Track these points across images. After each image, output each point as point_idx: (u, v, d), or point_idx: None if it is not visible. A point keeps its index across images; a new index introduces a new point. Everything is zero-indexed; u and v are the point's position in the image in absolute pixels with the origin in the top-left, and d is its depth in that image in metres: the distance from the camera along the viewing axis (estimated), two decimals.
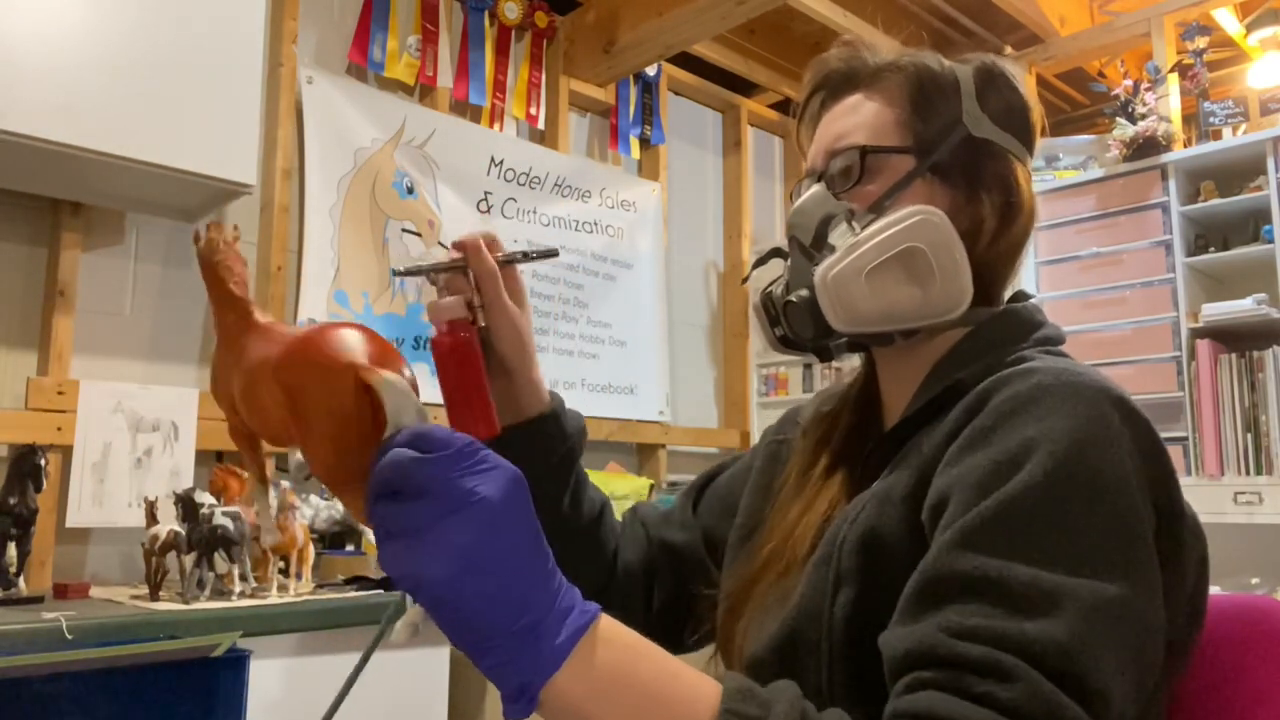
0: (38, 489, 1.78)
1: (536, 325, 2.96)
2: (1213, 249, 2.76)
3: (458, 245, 0.76)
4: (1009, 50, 3.66)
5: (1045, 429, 0.62)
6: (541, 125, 3.14)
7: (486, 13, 3.00)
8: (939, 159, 0.79)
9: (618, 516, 0.96)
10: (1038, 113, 0.84)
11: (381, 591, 1.93)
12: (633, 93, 3.44)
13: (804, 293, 0.79)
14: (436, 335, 0.71)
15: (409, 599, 0.53)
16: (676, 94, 3.71)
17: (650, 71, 3.46)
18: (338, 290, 2.56)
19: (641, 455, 3.36)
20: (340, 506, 2.13)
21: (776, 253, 0.88)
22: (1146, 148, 2.85)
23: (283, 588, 1.86)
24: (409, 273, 0.75)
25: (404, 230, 2.74)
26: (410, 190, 2.76)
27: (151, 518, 1.85)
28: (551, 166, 3.10)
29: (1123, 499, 0.61)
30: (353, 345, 0.56)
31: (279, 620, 1.72)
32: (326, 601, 1.80)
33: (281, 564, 1.90)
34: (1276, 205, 2.61)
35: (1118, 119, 2.95)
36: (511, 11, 3.06)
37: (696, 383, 3.66)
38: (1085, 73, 3.82)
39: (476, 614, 0.49)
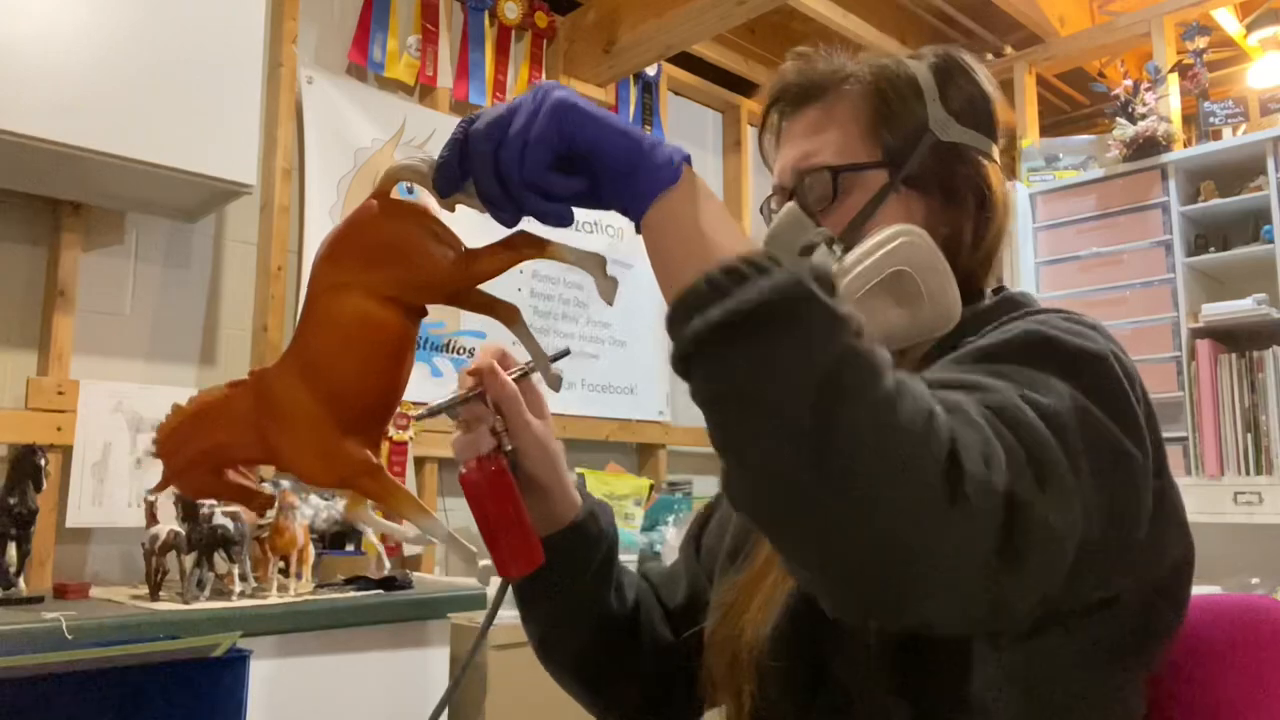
0: (38, 489, 1.78)
1: (538, 325, 2.96)
2: (1213, 249, 2.76)
3: (473, 373, 0.75)
4: (1009, 50, 3.66)
5: (1037, 320, 0.65)
6: None
7: (486, 13, 3.00)
8: (911, 170, 0.78)
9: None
10: (999, 101, 0.83)
11: (382, 591, 1.93)
12: (633, 93, 3.44)
13: None
14: (466, 472, 0.71)
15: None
16: (676, 94, 3.71)
17: (650, 71, 3.46)
18: None
19: (641, 455, 3.36)
20: (340, 506, 2.13)
21: None
22: (1146, 148, 2.85)
23: (283, 588, 1.86)
24: (431, 414, 0.73)
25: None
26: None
27: (151, 518, 1.85)
28: None
29: (1116, 406, 0.60)
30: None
31: (279, 620, 1.72)
32: (326, 601, 1.80)
33: (281, 564, 1.90)
34: (1276, 205, 2.61)
35: (1118, 119, 2.95)
36: (511, 11, 3.06)
37: None
38: (1085, 73, 3.82)
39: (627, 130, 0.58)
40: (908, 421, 0.48)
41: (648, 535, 2.76)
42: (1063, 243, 3.00)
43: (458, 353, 2.78)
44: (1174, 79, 3.05)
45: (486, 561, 0.69)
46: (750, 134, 3.93)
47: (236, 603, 1.73)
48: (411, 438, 2.56)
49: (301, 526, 1.88)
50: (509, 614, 0.84)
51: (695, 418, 3.52)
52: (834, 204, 0.78)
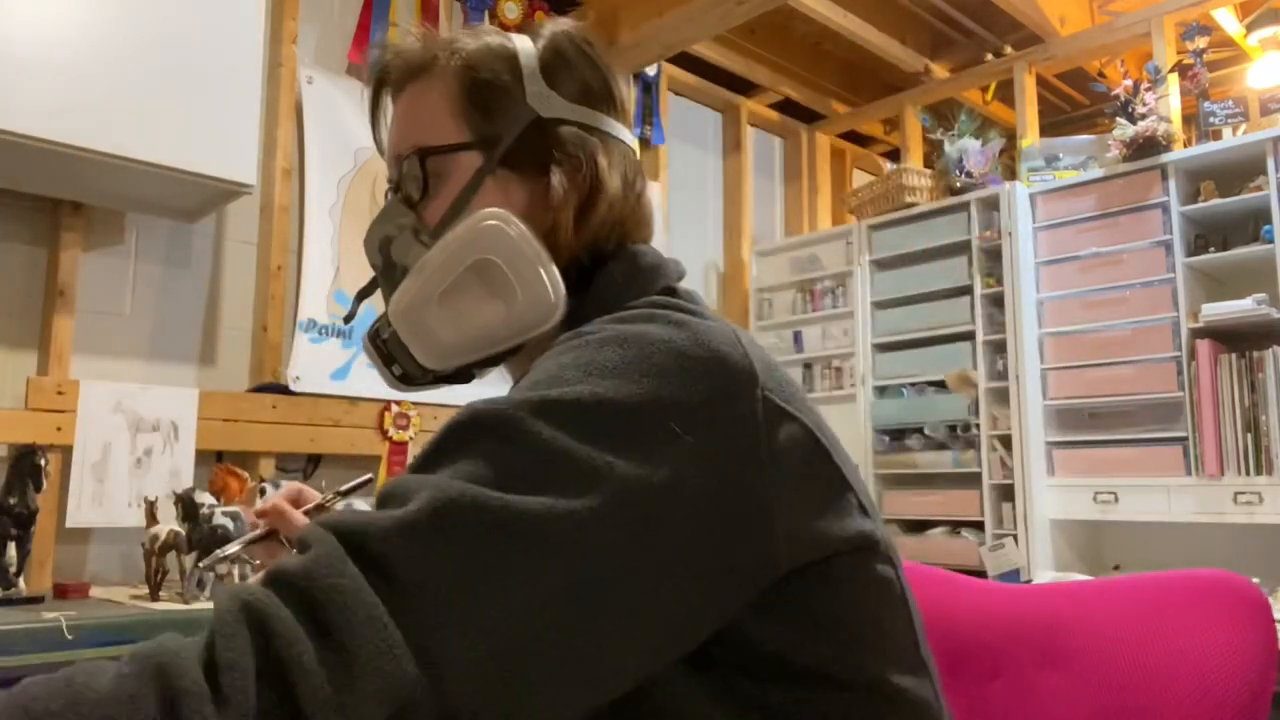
0: (38, 489, 1.78)
1: None
2: (1213, 249, 2.76)
3: (260, 514, 0.72)
4: (1009, 50, 3.66)
5: (564, 348, 0.57)
6: None
7: (486, 13, 3.00)
8: (508, 150, 0.72)
9: None
10: (620, 83, 0.78)
11: None
12: (633, 93, 3.44)
13: (390, 327, 0.72)
14: None
15: None
16: (676, 94, 3.71)
17: (650, 71, 3.46)
18: (338, 290, 2.56)
19: None
20: (340, 507, 2.13)
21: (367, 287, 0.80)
22: (1146, 148, 2.85)
23: None
24: (221, 561, 0.69)
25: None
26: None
27: (151, 518, 1.85)
28: None
29: (582, 426, 0.52)
30: None
31: None
32: None
33: None
34: (1276, 205, 2.61)
35: (1118, 119, 2.95)
36: (511, 11, 3.06)
37: None
38: (1085, 73, 3.82)
39: None
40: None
41: None
42: (1063, 243, 3.00)
43: None
44: (1174, 79, 3.05)
45: None
46: (751, 134, 3.93)
47: None
48: (412, 438, 2.57)
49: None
50: None
51: None
52: (431, 192, 0.73)
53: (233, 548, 0.71)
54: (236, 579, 1.79)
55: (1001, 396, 2.99)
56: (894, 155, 4.24)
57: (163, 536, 1.78)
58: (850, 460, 0.65)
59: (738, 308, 3.75)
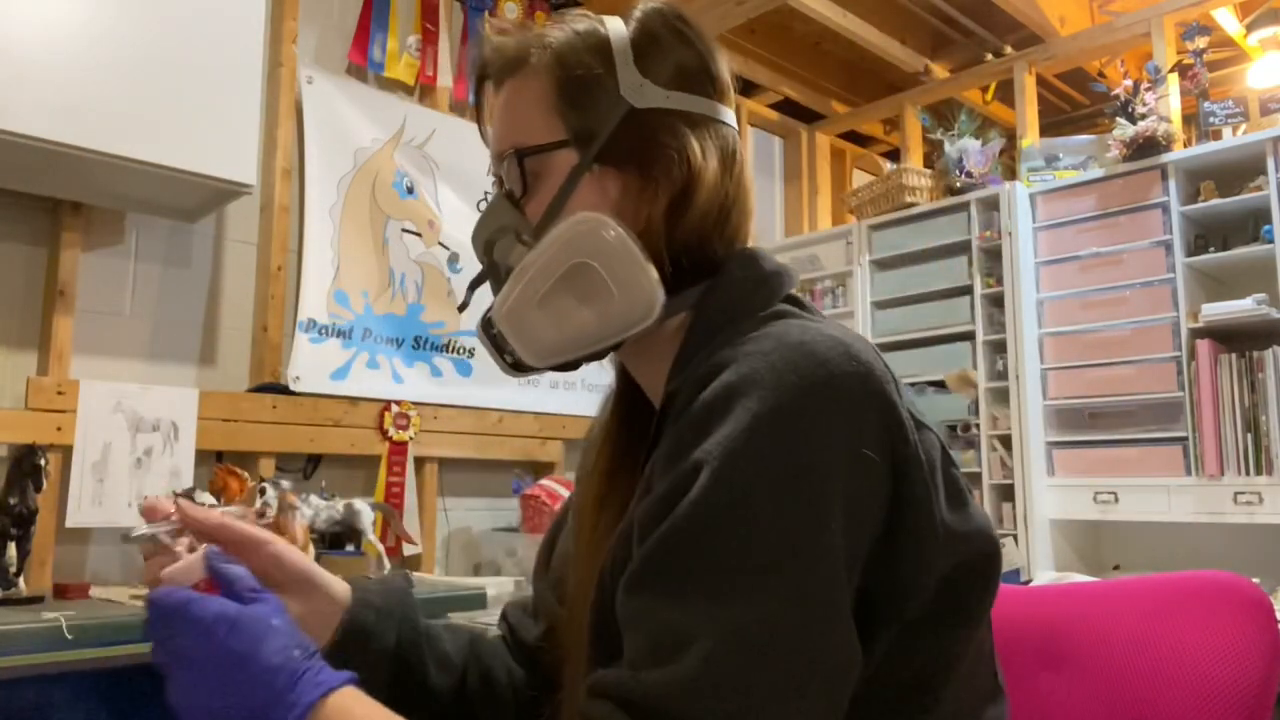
0: (38, 489, 1.78)
1: None
2: (1213, 249, 2.76)
3: (149, 509, 0.72)
4: (1009, 50, 3.66)
5: (723, 437, 0.57)
6: None
7: (486, 13, 3.00)
8: (604, 146, 0.71)
9: None
10: (721, 59, 0.77)
11: None
12: None
13: (498, 323, 0.73)
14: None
15: None
16: None
17: None
18: (338, 290, 2.56)
19: None
20: (340, 506, 2.13)
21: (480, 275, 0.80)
22: (1146, 148, 2.85)
23: None
24: (136, 540, 0.69)
25: (404, 230, 2.74)
26: (410, 190, 2.76)
27: None
28: None
29: (791, 503, 0.55)
30: None
31: None
32: None
33: None
34: (1276, 205, 2.61)
35: (1118, 119, 2.95)
36: (511, 11, 3.06)
37: None
38: (1085, 73, 3.82)
39: None
40: None
41: None
42: (1063, 243, 3.00)
43: (457, 353, 2.78)
44: (1174, 79, 3.05)
45: None
46: (751, 134, 3.93)
47: None
48: (412, 437, 2.57)
49: (301, 527, 1.88)
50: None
51: None
52: (530, 191, 0.73)
53: (144, 530, 0.70)
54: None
55: (1001, 396, 2.99)
56: (894, 155, 4.24)
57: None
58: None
59: None
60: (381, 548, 2.12)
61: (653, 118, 0.72)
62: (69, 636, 1.46)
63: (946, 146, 3.28)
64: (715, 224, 0.72)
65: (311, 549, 1.93)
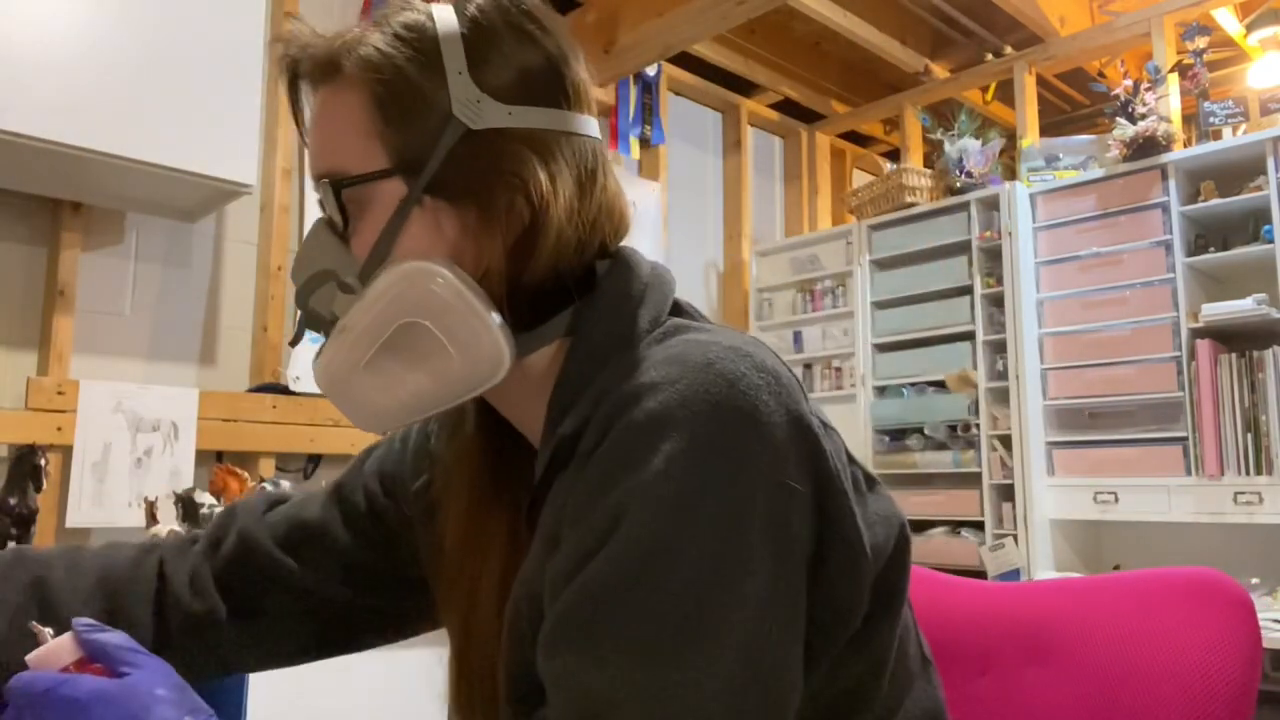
0: (38, 489, 1.78)
1: None
2: (1213, 249, 2.76)
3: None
4: (1009, 50, 3.66)
5: (639, 483, 0.53)
6: None
7: None
8: (435, 176, 0.61)
9: None
10: (574, 55, 0.66)
11: None
12: (633, 93, 3.44)
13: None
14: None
15: None
16: (676, 94, 3.71)
17: (650, 71, 3.46)
18: None
19: None
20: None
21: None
22: (1146, 148, 2.85)
23: None
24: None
25: None
26: None
27: (151, 518, 1.85)
28: None
29: (715, 552, 0.52)
30: None
31: None
32: None
33: None
34: (1276, 205, 2.61)
35: (1118, 119, 2.95)
36: None
37: None
38: (1085, 73, 3.82)
39: None
40: None
41: None
42: (1063, 243, 3.00)
43: None
44: (1174, 79, 3.05)
45: None
46: (751, 134, 3.93)
47: None
48: None
49: None
50: None
51: None
52: (351, 225, 0.63)
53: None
54: None
55: (1001, 396, 2.99)
56: (894, 155, 4.24)
57: (163, 536, 1.77)
58: None
59: (738, 308, 3.75)
60: None
61: (492, 141, 0.61)
62: None
63: (946, 146, 3.28)
64: (576, 251, 0.63)
65: None
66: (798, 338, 3.58)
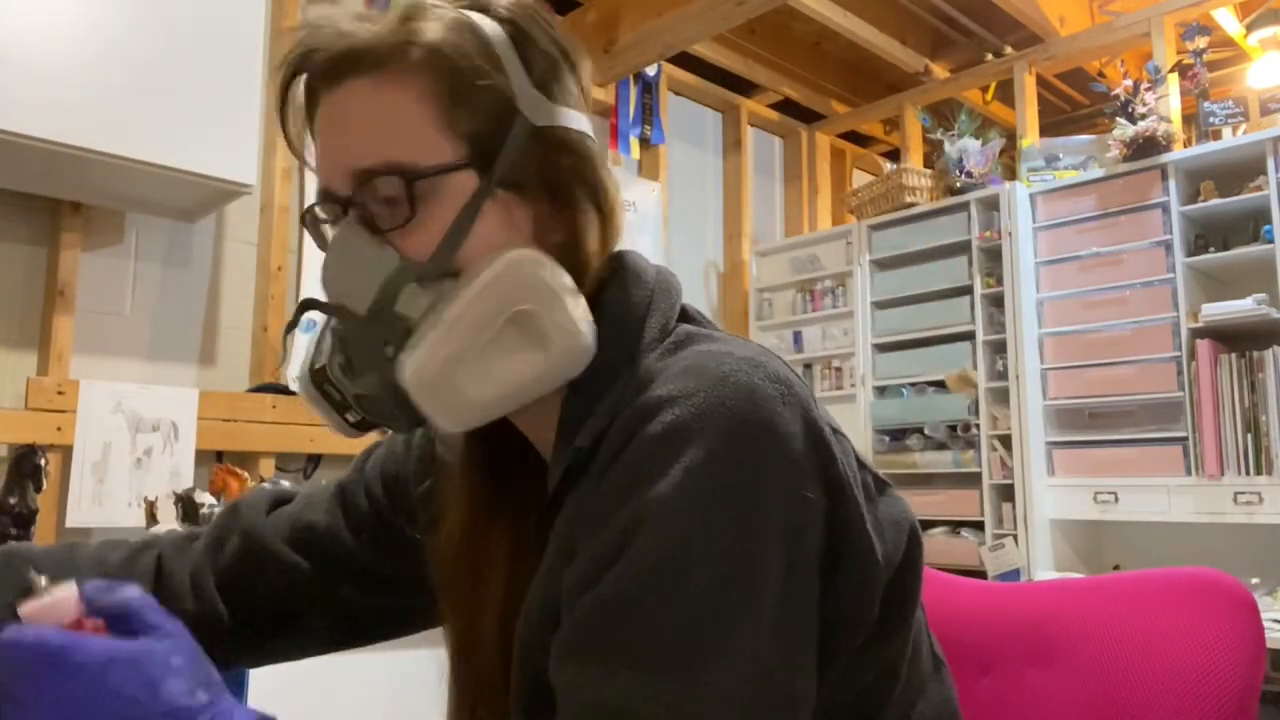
0: (38, 489, 1.78)
1: None
2: (1213, 249, 2.76)
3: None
4: (1009, 50, 3.66)
5: (657, 494, 0.53)
6: None
7: None
8: (506, 167, 0.61)
9: None
10: (586, 63, 0.66)
11: None
12: (633, 93, 3.44)
13: (381, 386, 0.61)
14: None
15: None
16: (676, 94, 3.71)
17: (650, 71, 3.46)
18: None
19: None
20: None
21: (311, 305, 0.64)
22: (1146, 148, 2.85)
23: None
24: None
25: None
26: None
27: (151, 518, 1.85)
28: None
29: (731, 564, 0.52)
30: None
31: None
32: None
33: None
34: (1276, 205, 2.61)
35: (1118, 119, 2.95)
36: None
37: None
38: (1085, 73, 3.82)
39: None
40: None
41: None
42: (1063, 243, 3.00)
43: None
44: (1174, 79, 3.05)
45: None
46: (750, 134, 3.93)
47: None
48: None
49: None
50: None
51: None
52: (416, 220, 0.60)
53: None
54: None
55: (1001, 396, 2.99)
56: (894, 155, 4.24)
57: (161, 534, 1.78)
58: None
59: (738, 308, 3.75)
60: None
61: (560, 138, 0.63)
62: None
63: (946, 146, 3.28)
64: (609, 249, 0.66)
65: None
66: (798, 338, 3.58)
